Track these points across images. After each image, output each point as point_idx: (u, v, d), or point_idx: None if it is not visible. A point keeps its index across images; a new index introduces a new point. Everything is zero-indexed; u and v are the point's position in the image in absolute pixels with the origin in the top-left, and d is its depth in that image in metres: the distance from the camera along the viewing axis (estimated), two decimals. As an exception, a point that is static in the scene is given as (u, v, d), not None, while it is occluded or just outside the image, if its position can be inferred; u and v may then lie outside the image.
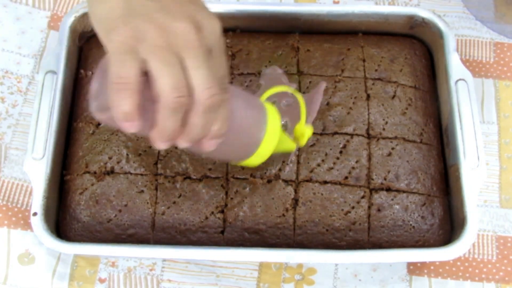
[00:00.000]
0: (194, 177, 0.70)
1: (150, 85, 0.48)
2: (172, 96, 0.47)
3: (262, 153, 0.60)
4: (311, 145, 0.71)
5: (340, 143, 0.72)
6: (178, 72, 0.47)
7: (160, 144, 0.51)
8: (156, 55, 0.47)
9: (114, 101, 0.47)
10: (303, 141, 0.63)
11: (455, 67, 0.74)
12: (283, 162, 0.70)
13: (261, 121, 0.59)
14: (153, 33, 0.47)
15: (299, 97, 0.64)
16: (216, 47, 0.50)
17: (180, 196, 0.70)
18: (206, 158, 0.64)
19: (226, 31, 0.77)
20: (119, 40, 0.47)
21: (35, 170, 0.69)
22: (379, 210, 0.69)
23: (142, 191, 0.70)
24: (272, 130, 0.59)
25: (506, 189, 0.77)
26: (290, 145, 0.65)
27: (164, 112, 0.48)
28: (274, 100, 0.70)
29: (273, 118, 0.60)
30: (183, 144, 0.51)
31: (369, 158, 0.71)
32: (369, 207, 0.69)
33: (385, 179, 0.70)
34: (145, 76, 0.48)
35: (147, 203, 0.69)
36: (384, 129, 0.72)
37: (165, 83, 0.47)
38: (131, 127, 0.48)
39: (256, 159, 0.61)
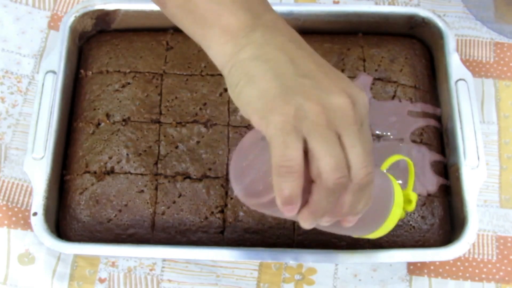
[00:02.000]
0: (194, 177, 0.70)
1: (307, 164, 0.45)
2: (333, 177, 0.44)
3: (389, 224, 0.57)
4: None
5: (340, 143, 0.71)
6: (339, 152, 0.45)
7: (309, 225, 0.48)
8: (318, 134, 0.44)
9: (279, 185, 0.45)
10: (412, 207, 0.60)
11: (455, 67, 0.74)
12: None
13: (390, 191, 0.56)
14: (314, 110, 0.45)
15: (409, 162, 0.62)
16: (366, 120, 0.48)
17: (180, 196, 0.70)
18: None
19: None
20: (281, 120, 0.44)
21: (35, 170, 0.69)
22: (379, 210, 0.69)
23: (142, 191, 0.70)
24: (398, 199, 0.57)
25: (506, 189, 0.77)
26: (403, 213, 0.61)
27: (322, 192, 0.45)
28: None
29: (397, 186, 0.58)
30: (328, 222, 0.49)
31: (369, 158, 0.71)
32: (369, 207, 0.69)
33: (385, 179, 0.70)
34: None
35: (147, 203, 0.69)
36: (384, 129, 0.73)
37: (326, 164, 0.44)
38: (292, 210, 0.46)
39: (382, 231, 0.57)
